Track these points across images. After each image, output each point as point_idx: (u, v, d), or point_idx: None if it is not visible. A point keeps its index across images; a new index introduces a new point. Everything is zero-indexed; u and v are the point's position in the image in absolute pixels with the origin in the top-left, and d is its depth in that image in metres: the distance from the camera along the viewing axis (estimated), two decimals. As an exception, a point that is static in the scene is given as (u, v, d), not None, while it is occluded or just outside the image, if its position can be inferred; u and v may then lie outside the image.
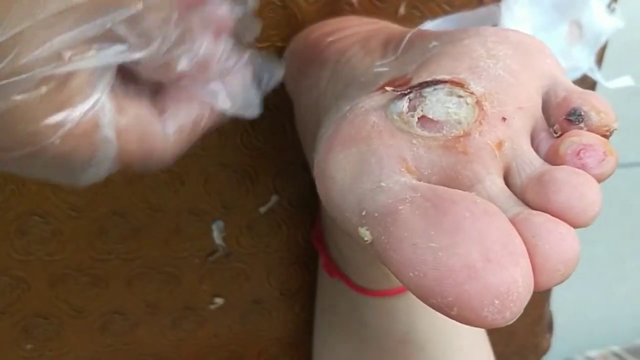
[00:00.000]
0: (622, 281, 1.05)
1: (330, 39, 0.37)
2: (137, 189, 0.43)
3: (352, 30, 0.37)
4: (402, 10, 0.42)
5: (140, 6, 0.22)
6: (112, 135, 0.25)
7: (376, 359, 0.43)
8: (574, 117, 0.26)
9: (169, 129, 0.28)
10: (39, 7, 0.20)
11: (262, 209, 0.47)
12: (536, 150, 0.26)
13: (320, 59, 0.36)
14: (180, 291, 0.47)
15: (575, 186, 0.23)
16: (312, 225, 0.48)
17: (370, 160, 0.25)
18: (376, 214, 0.23)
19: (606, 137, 0.26)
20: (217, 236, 0.46)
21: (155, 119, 0.27)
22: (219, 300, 0.48)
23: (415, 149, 0.25)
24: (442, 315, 0.21)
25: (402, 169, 0.24)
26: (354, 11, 0.41)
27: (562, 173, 0.23)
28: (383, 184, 0.24)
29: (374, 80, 0.31)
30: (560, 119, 0.26)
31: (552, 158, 0.25)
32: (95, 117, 0.24)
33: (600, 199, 0.23)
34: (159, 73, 0.27)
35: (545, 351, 0.62)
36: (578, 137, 0.25)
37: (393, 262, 0.22)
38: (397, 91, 0.27)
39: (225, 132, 0.43)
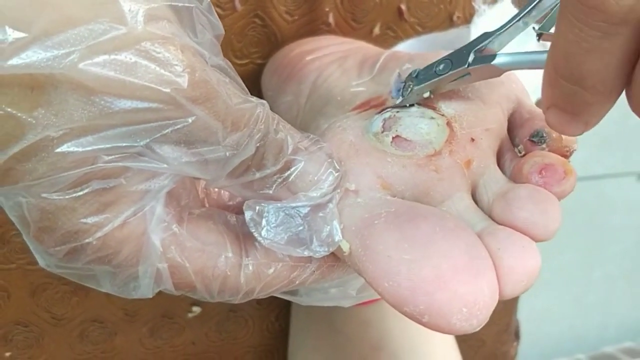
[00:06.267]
0: (588, 291, 1.08)
1: (309, 57, 0.38)
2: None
3: (330, 49, 0.39)
4: (376, 30, 0.44)
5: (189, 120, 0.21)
6: (159, 245, 0.23)
7: (350, 365, 0.44)
8: (537, 139, 0.27)
9: (246, 269, 0.25)
10: (75, 114, 0.20)
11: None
12: (502, 168, 0.28)
13: (299, 76, 0.37)
14: (158, 300, 0.47)
15: (537, 203, 0.25)
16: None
17: (349, 178, 0.26)
18: (353, 228, 0.25)
19: (566, 157, 0.27)
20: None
21: (223, 251, 0.25)
22: (196, 309, 0.48)
23: (390, 167, 0.26)
24: (414, 324, 0.23)
25: (378, 186, 0.26)
26: (330, 31, 0.42)
27: (525, 191, 0.25)
28: (360, 200, 0.25)
29: (350, 99, 0.32)
30: (524, 140, 0.28)
31: (517, 176, 0.27)
32: (141, 224, 0.23)
33: (560, 215, 0.25)
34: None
35: (512, 359, 0.64)
36: (540, 157, 0.26)
37: (369, 273, 0.23)
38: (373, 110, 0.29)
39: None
